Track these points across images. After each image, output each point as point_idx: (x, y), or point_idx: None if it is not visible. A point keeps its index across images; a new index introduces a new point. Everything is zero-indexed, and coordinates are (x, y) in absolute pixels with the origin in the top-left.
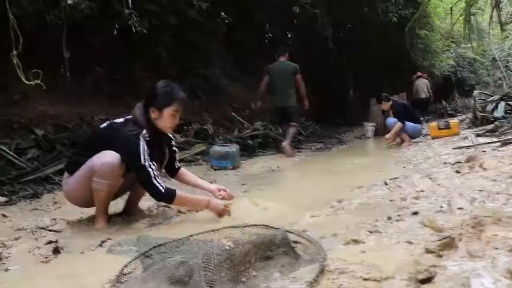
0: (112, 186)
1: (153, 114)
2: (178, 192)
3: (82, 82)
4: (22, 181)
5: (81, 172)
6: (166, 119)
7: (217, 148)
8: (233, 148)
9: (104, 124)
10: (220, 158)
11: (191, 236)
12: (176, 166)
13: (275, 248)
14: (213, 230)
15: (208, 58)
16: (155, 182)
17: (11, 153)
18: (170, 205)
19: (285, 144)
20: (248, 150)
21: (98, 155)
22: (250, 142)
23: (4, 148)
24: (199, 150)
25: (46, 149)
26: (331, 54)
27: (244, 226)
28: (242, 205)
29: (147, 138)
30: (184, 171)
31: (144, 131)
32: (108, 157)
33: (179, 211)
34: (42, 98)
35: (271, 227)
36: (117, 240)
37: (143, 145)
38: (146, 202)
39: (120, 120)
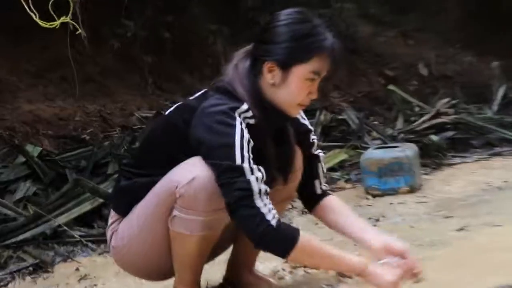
0: (213, 227)
1: (269, 76)
2: (303, 234)
3: (96, 57)
4: (12, 242)
5: (146, 204)
6: (295, 87)
7: (374, 154)
8: (407, 151)
9: (171, 109)
10: (383, 172)
11: None
12: (319, 190)
13: None
14: None
15: None
16: (258, 203)
17: None
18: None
19: None
20: (430, 154)
21: (180, 165)
22: (433, 138)
23: None
24: (337, 160)
25: (47, 181)
26: None
27: None
28: None
29: (251, 120)
30: (333, 200)
31: (245, 106)
32: (203, 168)
33: (340, 275)
34: (29, 90)
35: None
36: None
37: (241, 131)
38: (268, 261)
39: (201, 92)
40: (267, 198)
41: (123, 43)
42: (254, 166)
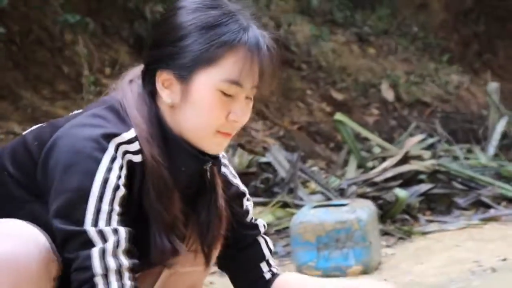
0: None
1: (165, 93)
2: None
3: None
4: None
5: None
6: (204, 105)
7: (311, 216)
8: (359, 212)
9: (34, 127)
10: (324, 243)
11: None
12: (268, 274)
13: None
14: None
15: None
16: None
17: None
18: None
19: None
20: (395, 217)
21: None
22: (399, 194)
23: None
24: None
25: None
26: None
27: None
28: None
29: (135, 157)
30: (287, 277)
31: (129, 134)
32: (4, 240)
33: None
34: None
35: None
36: None
37: (108, 170)
38: None
39: (80, 110)
40: (118, 280)
41: None
42: (107, 229)
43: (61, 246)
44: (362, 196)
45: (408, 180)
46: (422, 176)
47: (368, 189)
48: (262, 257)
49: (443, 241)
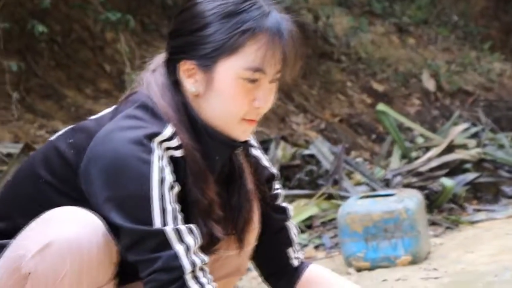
0: None
1: (189, 83)
2: None
3: None
4: None
5: None
6: (227, 94)
7: (358, 207)
8: (407, 201)
9: (60, 132)
10: (372, 234)
11: None
12: (296, 261)
13: None
14: None
15: None
16: (192, 284)
17: None
18: None
19: None
20: (442, 207)
21: (36, 220)
22: (446, 183)
23: None
24: (303, 216)
25: None
26: None
27: None
28: None
29: (176, 152)
30: (316, 270)
31: (168, 131)
32: (67, 225)
33: None
34: None
35: None
36: None
37: (160, 171)
38: None
39: (108, 110)
40: (204, 276)
41: None
42: (182, 227)
43: (129, 247)
44: (408, 186)
45: (454, 169)
46: (468, 165)
47: (414, 179)
48: (290, 243)
49: (492, 229)
